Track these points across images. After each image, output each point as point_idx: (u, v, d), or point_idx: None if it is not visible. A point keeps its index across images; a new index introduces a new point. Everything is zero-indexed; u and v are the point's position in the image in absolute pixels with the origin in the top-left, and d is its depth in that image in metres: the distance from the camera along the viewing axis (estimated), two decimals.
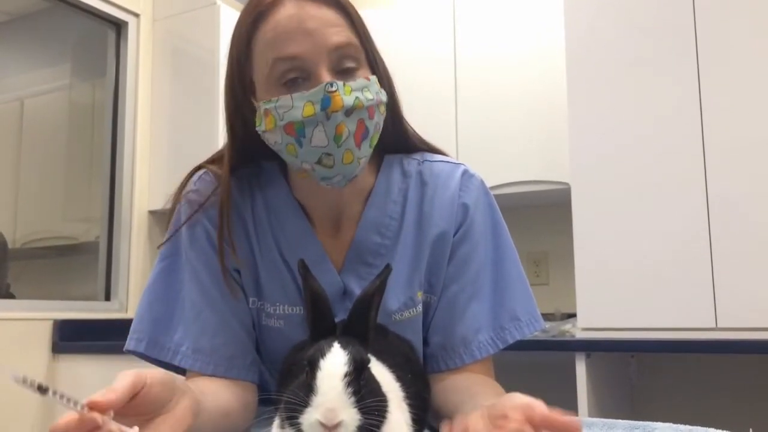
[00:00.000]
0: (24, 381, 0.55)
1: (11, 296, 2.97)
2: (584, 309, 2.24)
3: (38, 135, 3.60)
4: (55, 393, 0.57)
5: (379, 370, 0.70)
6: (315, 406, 0.61)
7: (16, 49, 3.76)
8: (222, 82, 0.96)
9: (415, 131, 1.05)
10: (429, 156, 1.04)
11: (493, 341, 0.96)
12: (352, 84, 0.86)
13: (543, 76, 2.65)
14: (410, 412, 0.72)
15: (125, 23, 3.21)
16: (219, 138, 1.01)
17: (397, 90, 0.99)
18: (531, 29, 2.73)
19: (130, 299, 3.07)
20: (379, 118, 0.91)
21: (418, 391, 0.79)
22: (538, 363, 2.58)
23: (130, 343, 0.95)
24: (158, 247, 0.99)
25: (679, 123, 2.17)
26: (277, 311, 0.95)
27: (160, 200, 1.45)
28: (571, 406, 2.06)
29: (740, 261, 2.05)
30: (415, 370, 0.84)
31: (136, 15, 3.24)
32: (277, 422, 0.67)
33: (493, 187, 1.69)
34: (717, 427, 0.78)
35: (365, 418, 0.61)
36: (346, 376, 0.62)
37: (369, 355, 0.66)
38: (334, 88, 0.84)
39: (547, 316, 2.60)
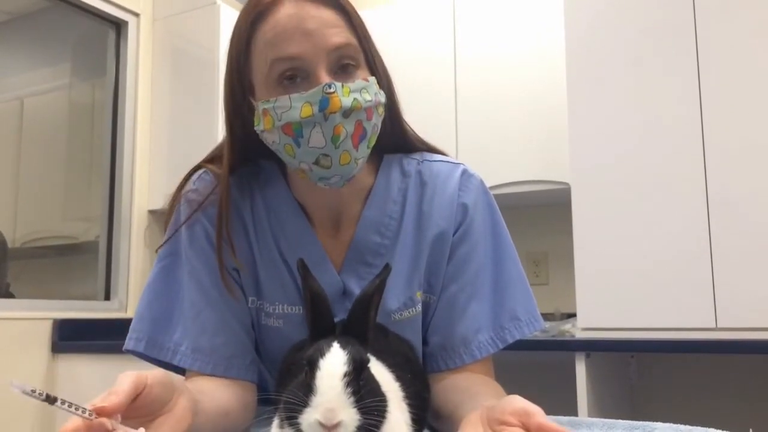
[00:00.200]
0: (32, 392, 0.55)
1: (11, 296, 2.97)
2: (584, 309, 2.24)
3: (38, 135, 3.60)
4: (63, 402, 0.57)
5: (378, 369, 0.70)
6: (314, 406, 0.61)
7: (16, 48, 3.75)
8: (222, 82, 0.96)
9: (414, 131, 1.05)
10: (428, 156, 1.04)
11: (493, 341, 0.96)
12: (350, 85, 0.86)
13: (543, 76, 2.65)
14: (410, 411, 0.72)
15: (125, 23, 3.22)
16: (219, 138, 1.01)
17: (396, 90, 0.98)
18: (531, 29, 2.73)
19: (129, 299, 3.07)
20: (378, 119, 0.91)
21: (418, 390, 0.79)
22: (538, 363, 2.58)
23: (129, 343, 0.95)
24: (156, 250, 0.99)
25: (679, 123, 2.17)
26: (277, 311, 0.95)
27: (160, 200, 1.45)
28: (571, 406, 2.06)
29: (740, 261, 2.05)
30: (415, 370, 0.84)
31: (136, 14, 3.24)
32: (276, 422, 0.67)
33: (493, 187, 1.69)
34: (717, 427, 0.78)
35: (365, 418, 0.61)
36: (345, 375, 0.62)
37: (368, 355, 0.66)
38: (332, 89, 0.84)
39: (547, 316, 2.60)
